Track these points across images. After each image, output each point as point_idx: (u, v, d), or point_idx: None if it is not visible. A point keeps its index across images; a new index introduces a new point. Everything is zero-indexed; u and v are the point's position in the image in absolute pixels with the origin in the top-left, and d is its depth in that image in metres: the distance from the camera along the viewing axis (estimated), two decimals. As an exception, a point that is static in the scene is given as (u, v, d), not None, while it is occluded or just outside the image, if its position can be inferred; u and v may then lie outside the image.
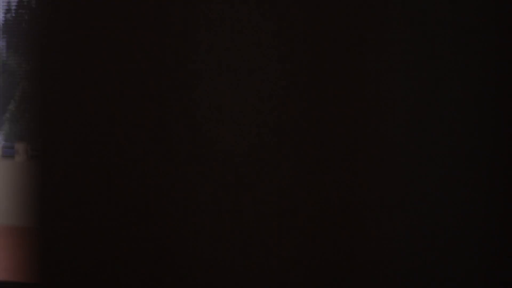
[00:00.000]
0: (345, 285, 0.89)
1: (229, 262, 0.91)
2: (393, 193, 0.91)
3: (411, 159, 0.91)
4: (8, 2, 5.68)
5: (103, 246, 0.90)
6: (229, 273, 0.90)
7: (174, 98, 0.87)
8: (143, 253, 0.90)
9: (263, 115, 0.88)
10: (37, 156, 0.90)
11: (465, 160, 0.91)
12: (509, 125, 0.91)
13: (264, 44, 0.88)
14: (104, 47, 0.86)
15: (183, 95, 0.87)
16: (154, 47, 0.86)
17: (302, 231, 0.90)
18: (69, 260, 0.91)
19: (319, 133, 0.90)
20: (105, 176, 0.89)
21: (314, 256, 0.89)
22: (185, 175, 0.89)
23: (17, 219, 4.98)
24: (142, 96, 0.87)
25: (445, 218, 0.92)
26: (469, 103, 0.91)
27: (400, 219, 0.91)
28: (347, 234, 0.90)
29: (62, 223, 0.91)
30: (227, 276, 0.90)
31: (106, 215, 0.90)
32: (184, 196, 0.89)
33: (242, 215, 0.90)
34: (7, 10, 5.71)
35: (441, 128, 0.91)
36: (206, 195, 0.90)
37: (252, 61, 0.88)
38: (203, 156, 0.89)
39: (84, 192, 0.90)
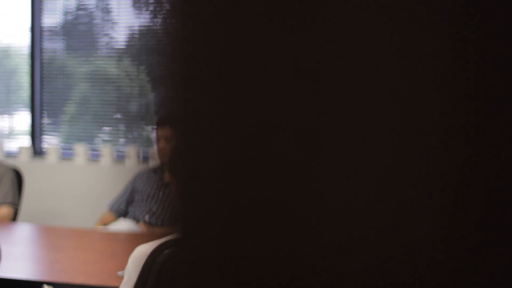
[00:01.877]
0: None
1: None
2: None
3: None
4: (66, 5, 5.75)
5: (248, 254, 0.86)
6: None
7: (321, 100, 0.83)
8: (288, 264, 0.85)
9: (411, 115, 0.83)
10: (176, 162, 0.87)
11: None
12: None
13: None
14: (246, 48, 0.82)
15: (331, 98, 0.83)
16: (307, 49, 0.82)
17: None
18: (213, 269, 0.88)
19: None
20: (247, 181, 0.85)
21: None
22: (339, 180, 0.85)
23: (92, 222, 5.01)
24: (283, 99, 0.83)
25: None
26: None
27: None
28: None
29: (203, 229, 0.87)
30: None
31: (251, 223, 0.86)
32: (334, 201, 0.85)
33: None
34: (65, 13, 5.77)
35: None
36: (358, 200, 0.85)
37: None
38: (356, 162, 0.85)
39: (228, 200, 0.86)
